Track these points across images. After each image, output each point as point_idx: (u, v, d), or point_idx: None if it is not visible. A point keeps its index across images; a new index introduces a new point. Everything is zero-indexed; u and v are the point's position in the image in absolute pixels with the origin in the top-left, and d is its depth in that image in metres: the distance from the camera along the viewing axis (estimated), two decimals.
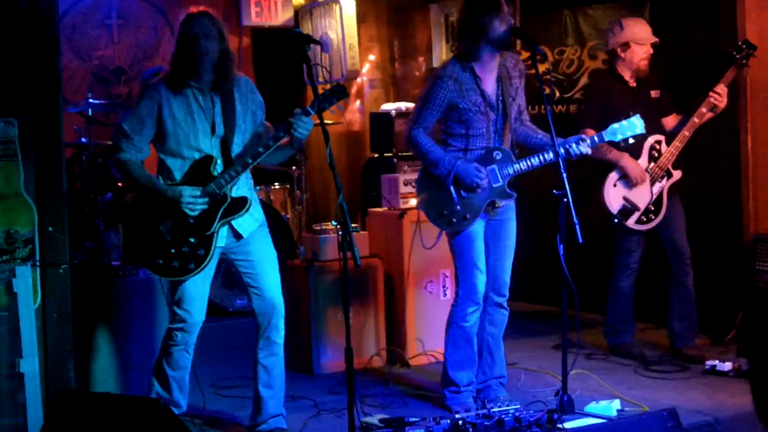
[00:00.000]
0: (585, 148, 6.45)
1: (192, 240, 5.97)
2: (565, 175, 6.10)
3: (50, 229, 6.10)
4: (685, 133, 7.59)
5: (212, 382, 7.40)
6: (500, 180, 6.54)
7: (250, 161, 5.98)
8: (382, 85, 11.61)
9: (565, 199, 6.05)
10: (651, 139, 7.68)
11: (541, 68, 6.51)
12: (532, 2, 10.02)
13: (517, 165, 6.53)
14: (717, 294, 8.09)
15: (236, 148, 6.08)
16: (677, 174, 7.73)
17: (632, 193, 7.66)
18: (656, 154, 7.70)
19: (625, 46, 7.72)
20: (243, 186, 6.13)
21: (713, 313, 8.10)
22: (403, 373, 7.77)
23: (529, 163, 6.52)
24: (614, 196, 7.70)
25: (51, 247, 6.09)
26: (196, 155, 6.01)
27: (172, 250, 5.96)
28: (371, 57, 11.53)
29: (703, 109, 7.54)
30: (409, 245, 7.81)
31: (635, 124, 6.55)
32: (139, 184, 6.08)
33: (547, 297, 9.32)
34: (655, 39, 7.72)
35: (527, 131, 6.75)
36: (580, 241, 5.94)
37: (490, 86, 6.56)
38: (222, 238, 6.06)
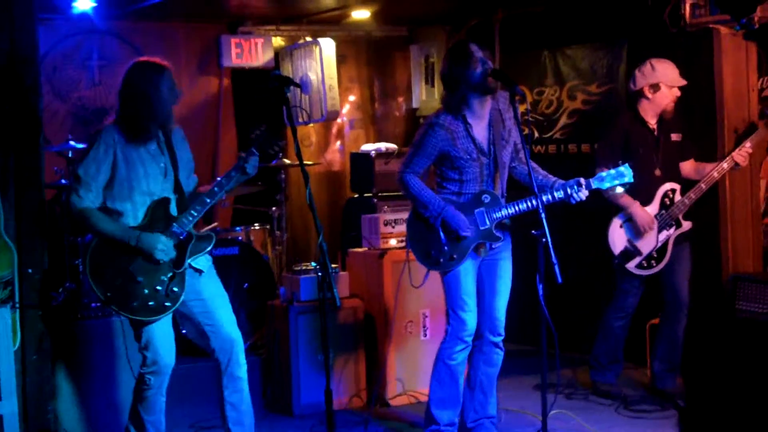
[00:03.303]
0: (584, 194, 6.49)
1: (163, 278, 5.99)
2: (543, 215, 6.11)
3: (30, 270, 6.10)
4: (702, 186, 7.59)
5: (191, 422, 7.38)
6: (488, 223, 6.57)
7: (208, 200, 6.08)
8: (362, 125, 11.63)
9: (544, 239, 6.05)
10: (666, 186, 7.69)
11: (520, 108, 6.53)
12: (511, 43, 10.08)
13: (505, 209, 6.57)
14: (697, 333, 8.09)
15: (185, 189, 6.18)
16: (687, 225, 7.73)
17: (637, 237, 7.67)
18: (668, 202, 7.68)
19: (655, 87, 7.66)
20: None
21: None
22: (383, 413, 7.75)
23: (516, 208, 6.55)
24: (618, 237, 7.70)
25: (30, 288, 6.10)
26: (148, 199, 6.04)
27: (146, 291, 5.96)
28: (351, 97, 11.56)
29: (725, 165, 7.56)
30: (390, 285, 7.83)
31: (624, 174, 6.56)
32: (102, 233, 5.97)
33: (527, 336, 9.30)
34: (683, 82, 7.70)
35: (526, 170, 6.77)
36: (559, 281, 5.94)
37: (480, 132, 6.59)
38: None
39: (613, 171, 6.56)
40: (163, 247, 5.95)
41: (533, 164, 6.73)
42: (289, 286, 8.00)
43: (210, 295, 6.23)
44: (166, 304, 5.99)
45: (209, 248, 6.15)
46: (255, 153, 6.07)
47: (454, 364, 6.69)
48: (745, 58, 8.36)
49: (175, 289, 6.01)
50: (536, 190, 6.25)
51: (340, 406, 7.65)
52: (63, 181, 8.60)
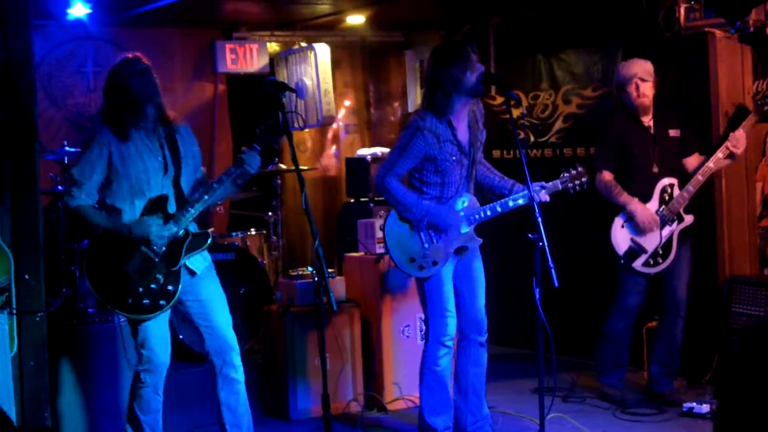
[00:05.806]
0: (545, 197, 6.52)
1: (158, 276, 6.01)
2: (540, 218, 6.11)
3: (26, 276, 6.09)
4: (699, 177, 7.57)
5: (188, 428, 7.37)
6: (468, 227, 6.58)
7: (206, 197, 6.10)
8: (357, 130, 11.65)
9: (541, 243, 6.05)
10: (664, 182, 7.66)
11: (516, 113, 6.53)
12: (506, 47, 10.08)
13: (483, 212, 6.58)
14: (694, 336, 8.10)
15: (185, 186, 6.18)
16: (689, 218, 7.70)
17: (641, 235, 7.66)
18: (667, 197, 7.66)
19: (620, 87, 7.72)
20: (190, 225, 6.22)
21: (690, 356, 8.10)
22: (380, 417, 7.75)
23: (495, 210, 6.56)
24: (622, 237, 7.67)
25: (27, 294, 6.09)
26: (147, 196, 6.07)
27: (140, 289, 5.98)
28: (347, 102, 11.57)
29: (720, 155, 7.55)
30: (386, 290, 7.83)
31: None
32: (96, 227, 6.06)
33: (524, 340, 9.31)
34: (637, 70, 7.65)
35: (483, 170, 6.82)
36: (556, 284, 5.93)
37: (463, 135, 6.59)
38: None
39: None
40: (157, 230, 5.98)
41: (487, 162, 6.84)
42: (285, 291, 7.99)
43: (208, 296, 6.24)
44: (161, 302, 6.01)
45: (206, 246, 6.17)
46: (257, 148, 6.06)
47: (440, 369, 6.69)
48: (740, 61, 8.37)
49: (170, 287, 6.04)
50: (530, 191, 6.24)
51: (336, 411, 7.64)
52: (59, 187, 8.61)
